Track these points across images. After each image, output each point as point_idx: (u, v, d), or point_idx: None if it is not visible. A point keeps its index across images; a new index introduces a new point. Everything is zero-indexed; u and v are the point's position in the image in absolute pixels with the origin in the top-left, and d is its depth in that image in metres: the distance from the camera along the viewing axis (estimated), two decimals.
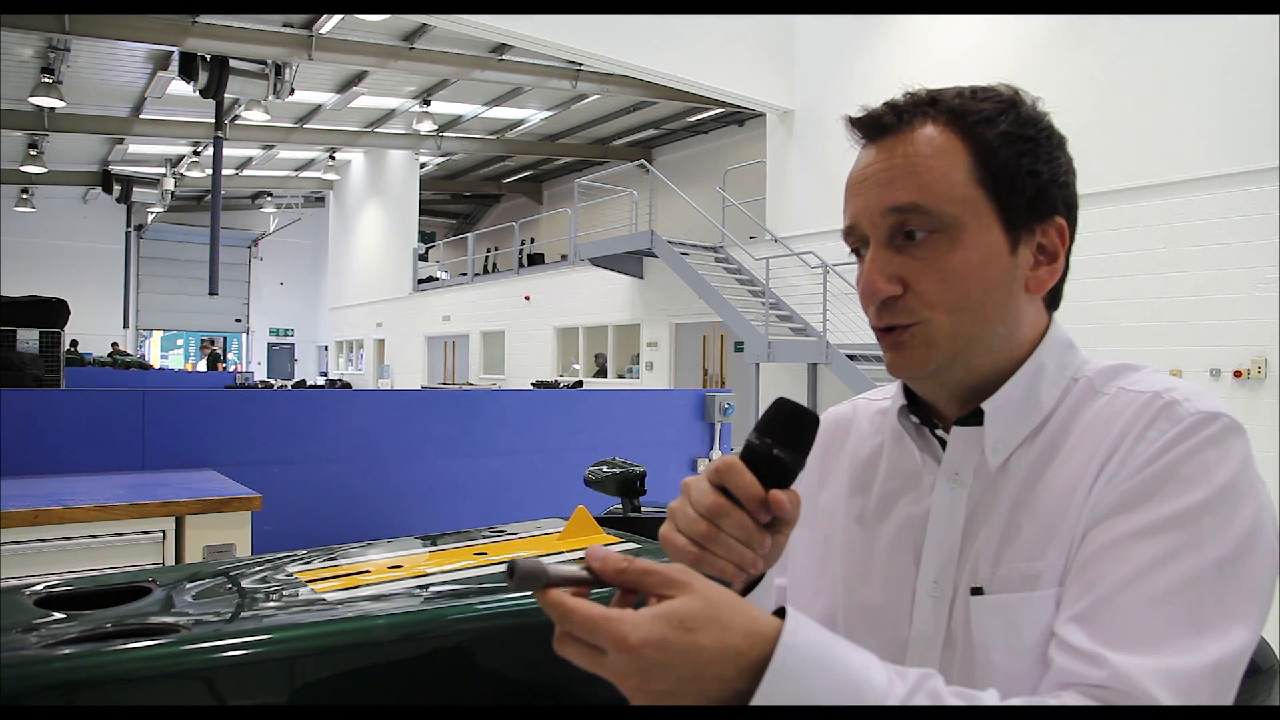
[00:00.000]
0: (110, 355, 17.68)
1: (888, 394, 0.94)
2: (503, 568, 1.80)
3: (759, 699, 0.56)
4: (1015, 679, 0.72)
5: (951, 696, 0.60)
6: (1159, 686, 0.62)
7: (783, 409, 0.70)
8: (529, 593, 0.57)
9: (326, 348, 26.16)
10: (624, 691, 0.58)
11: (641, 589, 0.59)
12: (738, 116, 15.51)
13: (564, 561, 1.81)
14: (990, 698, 0.62)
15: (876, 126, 0.81)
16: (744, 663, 0.57)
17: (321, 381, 21.77)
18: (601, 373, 15.07)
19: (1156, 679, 0.62)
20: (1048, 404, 0.81)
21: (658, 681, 0.56)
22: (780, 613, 0.60)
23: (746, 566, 0.67)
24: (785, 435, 0.69)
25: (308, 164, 22.20)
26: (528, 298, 16.37)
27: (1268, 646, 1.63)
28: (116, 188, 20.01)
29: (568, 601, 0.57)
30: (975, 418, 0.82)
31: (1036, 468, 0.78)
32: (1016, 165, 0.79)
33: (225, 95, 12.24)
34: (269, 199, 24.61)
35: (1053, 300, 0.85)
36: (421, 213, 21.26)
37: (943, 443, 0.85)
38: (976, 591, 0.77)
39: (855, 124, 0.83)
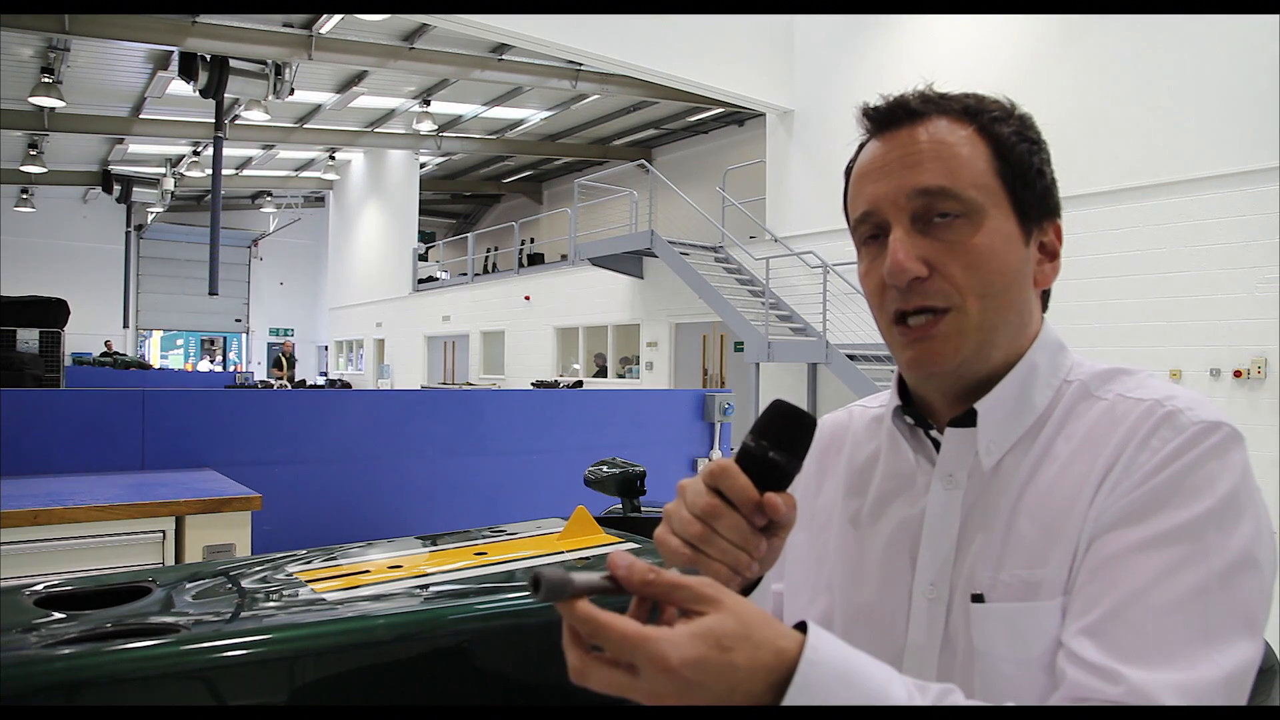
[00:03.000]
0: (103, 354, 17.66)
1: (881, 400, 0.94)
2: (503, 568, 1.80)
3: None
4: (1020, 688, 0.72)
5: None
6: (1175, 701, 0.62)
7: (779, 411, 0.70)
8: (532, 593, 0.56)
9: (326, 348, 26.17)
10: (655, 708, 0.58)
11: (669, 603, 0.58)
12: (738, 116, 15.51)
13: (564, 562, 1.81)
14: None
15: (893, 117, 0.82)
16: (772, 679, 0.57)
17: (321, 381, 21.78)
18: (601, 373, 15.07)
19: (1173, 694, 0.63)
20: (1040, 405, 0.81)
21: (691, 700, 0.56)
22: (802, 627, 0.60)
23: (741, 569, 0.67)
24: (781, 438, 0.68)
25: (308, 164, 22.20)
26: (528, 298, 16.37)
27: (1268, 646, 1.63)
28: (116, 188, 20.01)
29: (601, 616, 0.55)
30: (968, 418, 0.82)
31: (1033, 471, 0.78)
32: (1028, 163, 0.81)
33: (225, 95, 12.24)
34: (269, 199, 24.61)
35: (1043, 303, 0.87)
36: (421, 213, 21.25)
37: (937, 444, 0.84)
38: (977, 599, 0.77)
39: (871, 114, 0.83)
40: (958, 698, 0.60)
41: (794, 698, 0.56)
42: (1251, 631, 0.67)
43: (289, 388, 14.46)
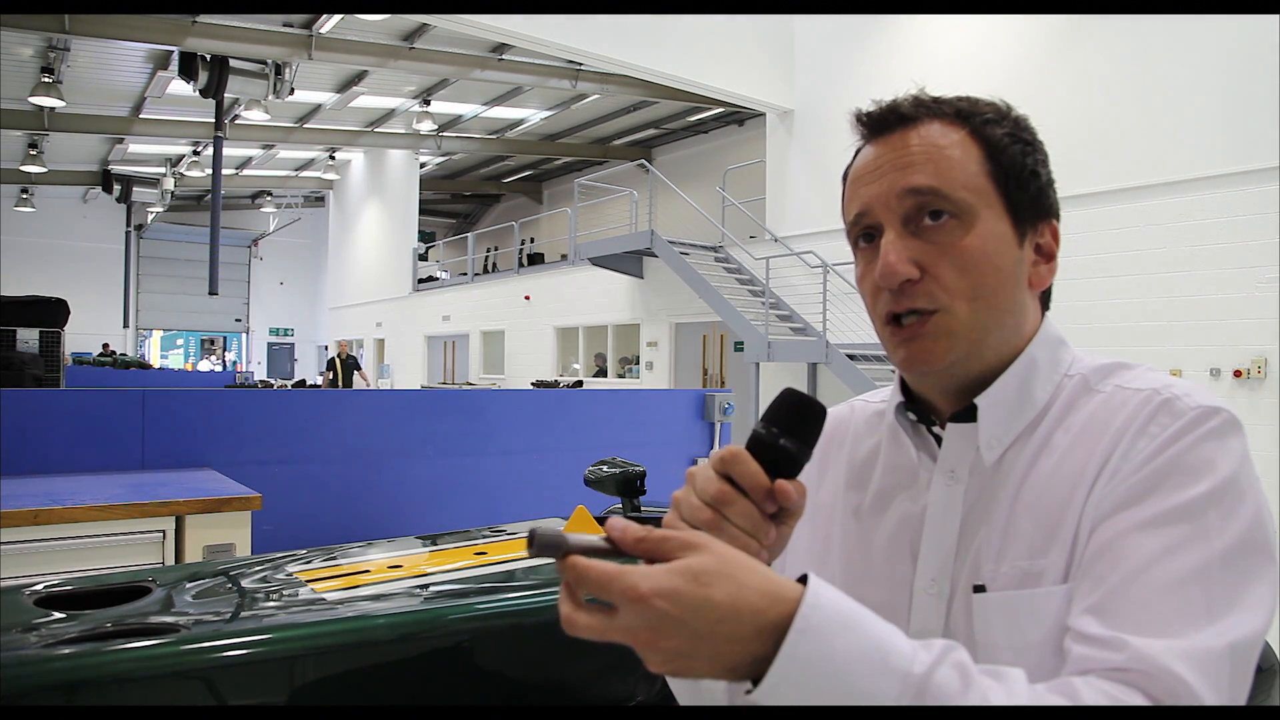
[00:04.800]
0: (101, 354, 17.61)
1: (884, 396, 0.95)
2: (503, 568, 1.80)
3: (782, 657, 0.56)
4: None
5: (976, 670, 0.60)
6: (1181, 664, 0.62)
7: (789, 399, 0.70)
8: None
9: (326, 347, 26.17)
10: (638, 651, 0.57)
11: (661, 554, 0.58)
12: (738, 116, 15.51)
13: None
14: (1016, 674, 0.61)
15: (886, 121, 0.83)
16: (761, 622, 0.56)
17: (321, 381, 21.78)
18: (601, 373, 15.07)
19: (1178, 657, 0.62)
20: (1041, 399, 0.81)
21: (670, 638, 0.56)
22: (802, 580, 0.60)
23: (751, 556, 0.67)
24: (791, 425, 0.68)
25: (308, 164, 22.21)
26: (528, 298, 16.37)
27: (1268, 646, 1.63)
28: (116, 187, 20.01)
29: (583, 562, 0.57)
30: (969, 414, 0.82)
31: (1033, 464, 0.79)
32: (1022, 164, 0.81)
33: (225, 95, 12.24)
34: (269, 199, 24.61)
35: (1045, 301, 0.87)
36: (421, 212, 21.26)
37: (939, 440, 0.85)
38: (979, 590, 0.77)
39: (865, 118, 0.84)
40: (962, 654, 0.59)
41: (794, 639, 0.56)
42: (1253, 610, 0.66)
43: None
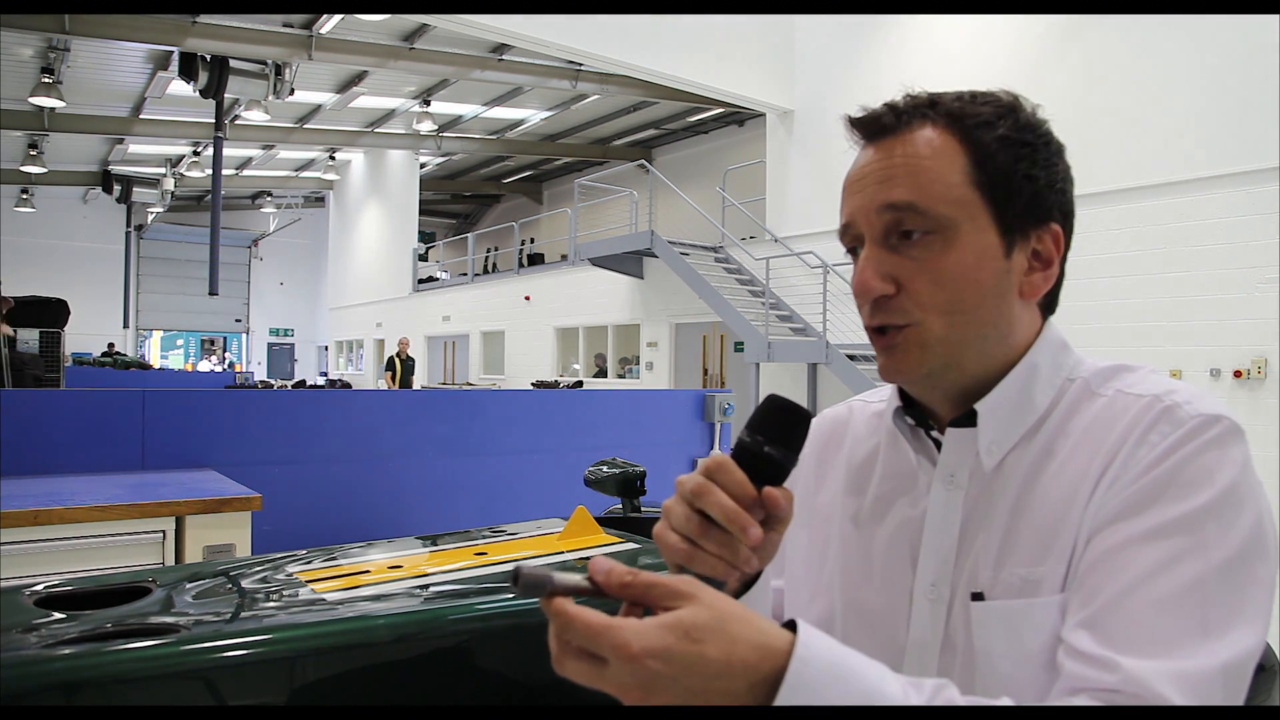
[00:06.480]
0: (105, 354, 17.60)
1: (883, 396, 0.94)
2: (503, 568, 1.80)
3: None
4: (1018, 685, 0.72)
5: (966, 702, 0.60)
6: (1172, 688, 0.62)
7: (773, 406, 0.69)
8: (511, 588, 0.57)
9: (326, 348, 26.17)
10: (628, 704, 0.57)
11: (647, 602, 0.58)
12: (738, 116, 15.51)
13: (564, 562, 1.81)
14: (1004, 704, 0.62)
15: (875, 127, 0.81)
16: (754, 677, 0.56)
17: (321, 381, 21.77)
18: (601, 373, 15.07)
19: (1169, 681, 0.62)
20: (1042, 404, 0.80)
21: (661, 695, 0.55)
22: (790, 626, 0.59)
23: (739, 564, 0.67)
24: (776, 432, 0.68)
25: (308, 164, 22.21)
26: (528, 298, 16.38)
27: (1268, 646, 1.63)
28: (116, 188, 20.02)
29: (569, 609, 0.56)
30: (969, 419, 0.81)
31: (1033, 470, 0.78)
32: (1013, 169, 0.79)
33: (225, 95, 12.25)
34: (269, 199, 24.62)
35: (1048, 305, 0.85)
36: (421, 213, 21.26)
37: (938, 444, 0.84)
38: (978, 597, 0.77)
39: (855, 124, 0.83)
40: (952, 693, 0.60)
41: (785, 697, 0.55)
42: (1251, 623, 0.66)
43: None
